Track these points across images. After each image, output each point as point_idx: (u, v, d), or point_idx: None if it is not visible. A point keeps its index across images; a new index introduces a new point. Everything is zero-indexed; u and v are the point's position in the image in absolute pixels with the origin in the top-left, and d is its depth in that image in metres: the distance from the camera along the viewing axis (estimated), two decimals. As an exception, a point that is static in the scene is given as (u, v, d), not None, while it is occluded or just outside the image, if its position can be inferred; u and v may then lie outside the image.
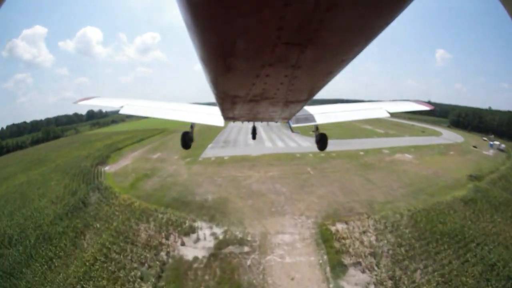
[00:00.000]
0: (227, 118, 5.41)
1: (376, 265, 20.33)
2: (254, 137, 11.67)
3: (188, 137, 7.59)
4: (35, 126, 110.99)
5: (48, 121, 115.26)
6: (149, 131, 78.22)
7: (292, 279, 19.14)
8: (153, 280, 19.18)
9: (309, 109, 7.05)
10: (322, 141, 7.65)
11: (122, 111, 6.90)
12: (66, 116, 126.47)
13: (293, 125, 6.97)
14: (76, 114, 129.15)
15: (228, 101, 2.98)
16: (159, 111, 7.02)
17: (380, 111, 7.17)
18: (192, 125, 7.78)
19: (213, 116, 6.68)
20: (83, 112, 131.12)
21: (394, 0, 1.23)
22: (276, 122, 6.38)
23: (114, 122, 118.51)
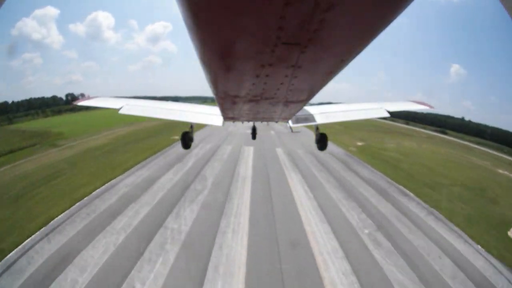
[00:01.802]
0: (227, 118, 5.43)
1: None
2: (254, 137, 11.70)
3: (188, 137, 7.72)
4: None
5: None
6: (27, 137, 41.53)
7: None
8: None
9: (309, 109, 7.07)
10: (322, 141, 7.73)
11: (121, 111, 6.91)
12: (41, 99, 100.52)
13: (293, 125, 6.99)
14: (54, 97, 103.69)
15: (228, 101, 2.99)
16: (159, 111, 7.04)
17: (380, 111, 7.18)
18: (192, 125, 7.87)
19: (212, 116, 6.72)
20: (63, 95, 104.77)
21: (393, 0, 1.24)
22: (276, 122, 6.39)
23: (70, 111, 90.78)
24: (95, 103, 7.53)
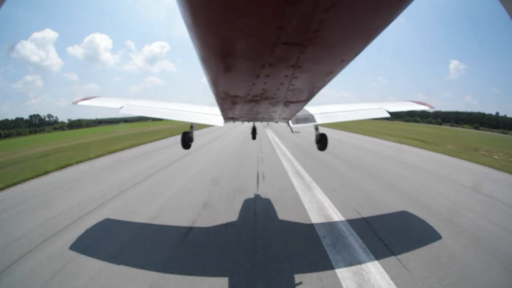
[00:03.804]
0: (227, 118, 5.42)
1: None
2: (254, 137, 11.72)
3: (188, 137, 7.70)
4: None
5: None
6: None
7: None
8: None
9: (309, 109, 7.07)
10: (322, 141, 7.75)
11: (122, 111, 6.88)
12: (3, 122, 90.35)
13: (293, 125, 6.99)
14: (17, 119, 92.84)
15: (228, 101, 2.98)
16: (159, 111, 7.03)
17: (380, 111, 7.19)
18: (192, 125, 7.87)
19: (213, 116, 6.71)
20: (64, 117, 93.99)
21: (394, 0, 1.23)
22: (276, 122, 6.38)
23: (16, 135, 77.19)
24: (95, 103, 7.51)
